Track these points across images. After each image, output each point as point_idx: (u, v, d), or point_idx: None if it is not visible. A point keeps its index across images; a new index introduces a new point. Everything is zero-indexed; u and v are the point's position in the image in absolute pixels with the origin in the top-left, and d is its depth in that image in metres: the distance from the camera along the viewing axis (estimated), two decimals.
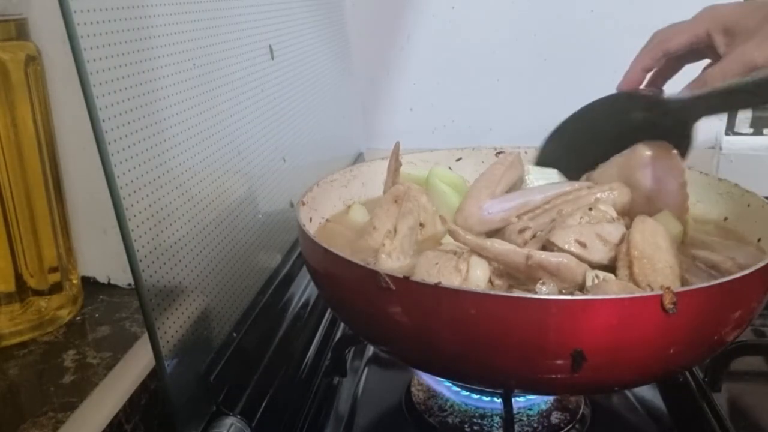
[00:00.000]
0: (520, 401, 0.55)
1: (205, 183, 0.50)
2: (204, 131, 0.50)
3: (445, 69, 1.06)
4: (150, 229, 0.41)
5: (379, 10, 1.05)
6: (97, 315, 0.57)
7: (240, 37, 0.59)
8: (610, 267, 0.48)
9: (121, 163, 0.38)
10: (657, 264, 0.46)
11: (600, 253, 0.48)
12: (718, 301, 0.41)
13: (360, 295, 0.45)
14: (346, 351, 0.64)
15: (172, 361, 0.42)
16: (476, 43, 1.04)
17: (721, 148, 1.04)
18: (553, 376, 0.42)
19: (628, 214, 0.56)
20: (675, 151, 0.55)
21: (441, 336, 0.42)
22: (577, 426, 0.54)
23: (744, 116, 1.08)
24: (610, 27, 0.98)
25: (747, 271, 0.41)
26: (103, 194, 0.38)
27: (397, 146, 0.64)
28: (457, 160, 0.71)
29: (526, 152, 0.68)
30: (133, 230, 0.39)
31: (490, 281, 0.47)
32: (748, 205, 0.57)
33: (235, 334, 0.51)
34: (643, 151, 0.57)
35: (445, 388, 0.57)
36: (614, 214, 0.53)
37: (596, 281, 0.45)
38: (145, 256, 0.40)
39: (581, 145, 0.62)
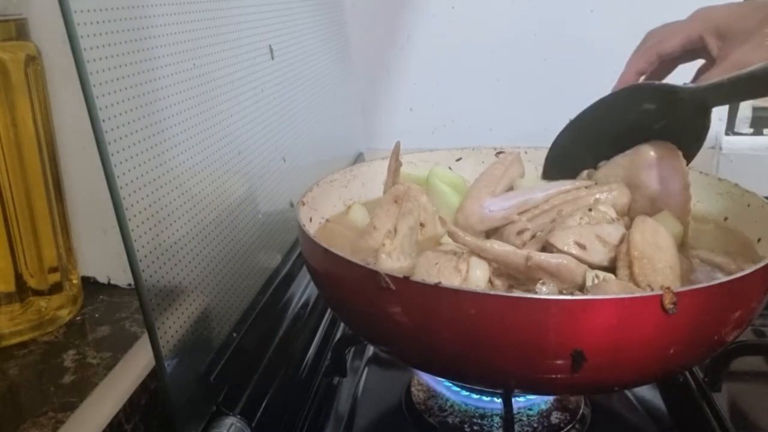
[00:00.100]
0: (520, 401, 0.55)
1: (205, 183, 0.50)
2: (204, 131, 0.50)
3: (445, 69, 1.06)
4: (150, 229, 0.41)
5: (379, 10, 1.05)
6: (97, 315, 0.57)
7: (240, 37, 0.59)
8: (610, 268, 0.48)
9: (121, 163, 0.38)
10: (657, 264, 0.46)
11: (600, 254, 0.48)
12: (718, 301, 0.41)
13: (360, 295, 0.45)
14: (346, 351, 0.64)
15: (172, 361, 0.42)
16: (476, 43, 1.04)
17: (721, 148, 1.04)
18: (553, 376, 0.42)
19: (628, 215, 0.56)
20: (679, 152, 0.55)
21: (441, 336, 0.42)
22: (577, 426, 0.54)
23: (744, 116, 1.08)
24: (610, 27, 0.98)
25: (747, 271, 0.41)
26: (103, 194, 0.37)
27: (397, 146, 0.64)
28: (457, 160, 0.71)
29: (526, 152, 0.68)
30: (133, 230, 0.39)
31: (490, 281, 0.47)
32: (748, 205, 0.57)
33: (235, 334, 0.51)
34: (648, 152, 0.56)
35: (445, 388, 0.57)
36: (614, 215, 0.53)
37: (596, 281, 0.45)
38: (145, 256, 0.40)
39: (593, 141, 0.61)
